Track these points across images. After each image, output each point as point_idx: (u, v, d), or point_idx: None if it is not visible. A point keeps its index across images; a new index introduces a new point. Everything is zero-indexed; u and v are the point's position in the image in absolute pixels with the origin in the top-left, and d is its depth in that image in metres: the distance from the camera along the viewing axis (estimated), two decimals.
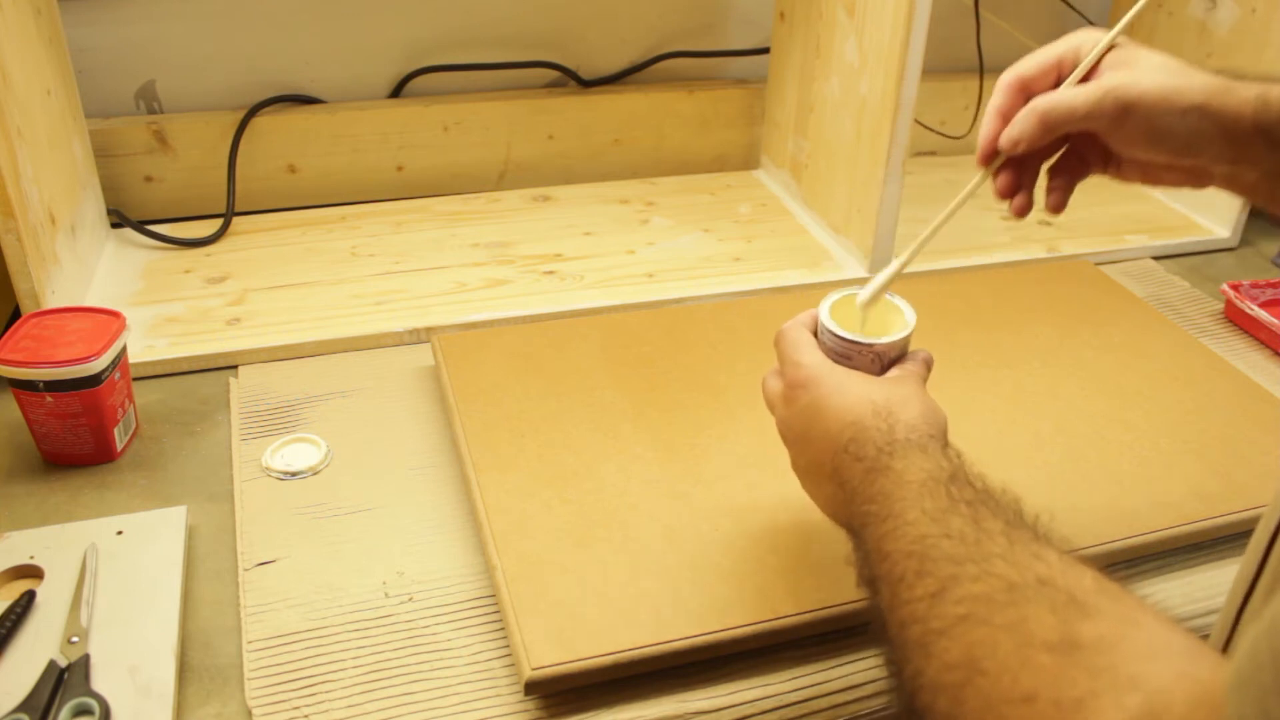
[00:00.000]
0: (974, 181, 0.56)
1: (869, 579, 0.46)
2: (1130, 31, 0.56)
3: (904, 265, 0.56)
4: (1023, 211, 0.57)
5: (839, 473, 0.50)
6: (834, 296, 0.57)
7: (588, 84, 1.13)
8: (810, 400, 0.52)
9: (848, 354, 0.54)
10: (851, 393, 0.51)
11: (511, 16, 1.09)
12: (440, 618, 0.59)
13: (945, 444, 0.49)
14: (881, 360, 0.54)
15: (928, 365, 0.56)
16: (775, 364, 0.57)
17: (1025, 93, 0.56)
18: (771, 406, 0.56)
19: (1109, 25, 1.17)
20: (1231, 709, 0.29)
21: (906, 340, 0.55)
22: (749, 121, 1.17)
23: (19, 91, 0.75)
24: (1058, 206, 0.58)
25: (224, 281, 0.90)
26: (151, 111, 1.03)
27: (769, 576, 0.59)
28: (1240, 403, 0.76)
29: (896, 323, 0.56)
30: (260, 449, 0.71)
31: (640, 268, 0.95)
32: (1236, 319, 0.92)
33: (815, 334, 0.56)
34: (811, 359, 0.54)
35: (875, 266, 0.95)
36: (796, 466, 0.55)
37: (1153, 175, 0.58)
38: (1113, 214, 1.10)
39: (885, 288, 0.57)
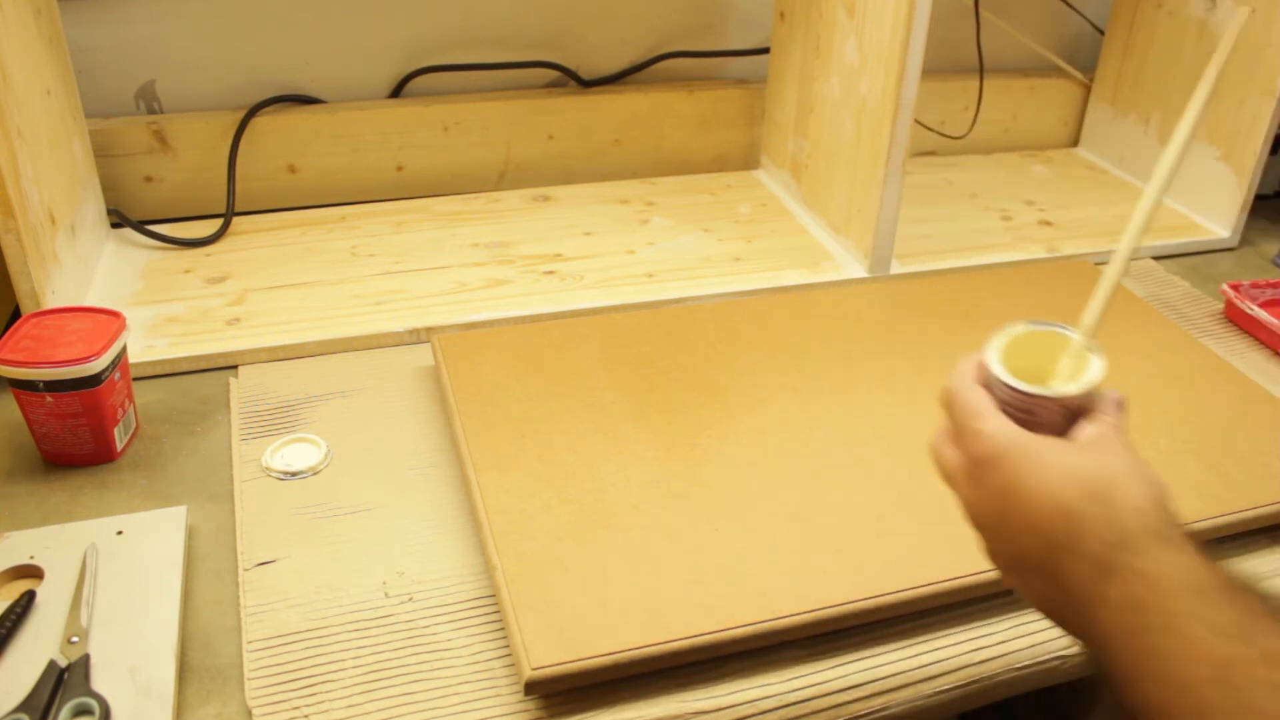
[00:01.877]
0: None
1: (1141, 704, 0.38)
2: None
3: (1112, 288, 0.49)
4: None
5: (1055, 572, 0.42)
6: (1002, 337, 0.49)
7: (588, 84, 1.13)
8: (1002, 481, 0.44)
9: (1028, 409, 0.46)
10: (1052, 470, 0.43)
11: (511, 16, 1.09)
12: (440, 618, 0.59)
13: (1183, 528, 0.41)
14: (1068, 412, 0.46)
15: (1121, 409, 0.47)
16: (944, 426, 0.49)
17: None
18: (950, 481, 0.48)
19: (1106, 27, 1.17)
20: None
21: (1096, 385, 0.47)
22: (749, 121, 1.17)
23: (19, 91, 0.75)
24: None
25: (224, 281, 0.90)
26: (151, 111, 1.03)
27: (769, 576, 0.59)
28: (1240, 403, 0.76)
29: (1079, 362, 0.48)
30: (260, 449, 0.71)
31: (640, 268, 0.95)
32: (1236, 319, 0.92)
33: (986, 385, 0.48)
34: (995, 426, 0.45)
35: (875, 267, 0.95)
36: (994, 555, 0.47)
37: None
38: (1113, 214, 1.10)
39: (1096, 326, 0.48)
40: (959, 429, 0.47)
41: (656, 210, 1.06)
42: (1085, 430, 0.45)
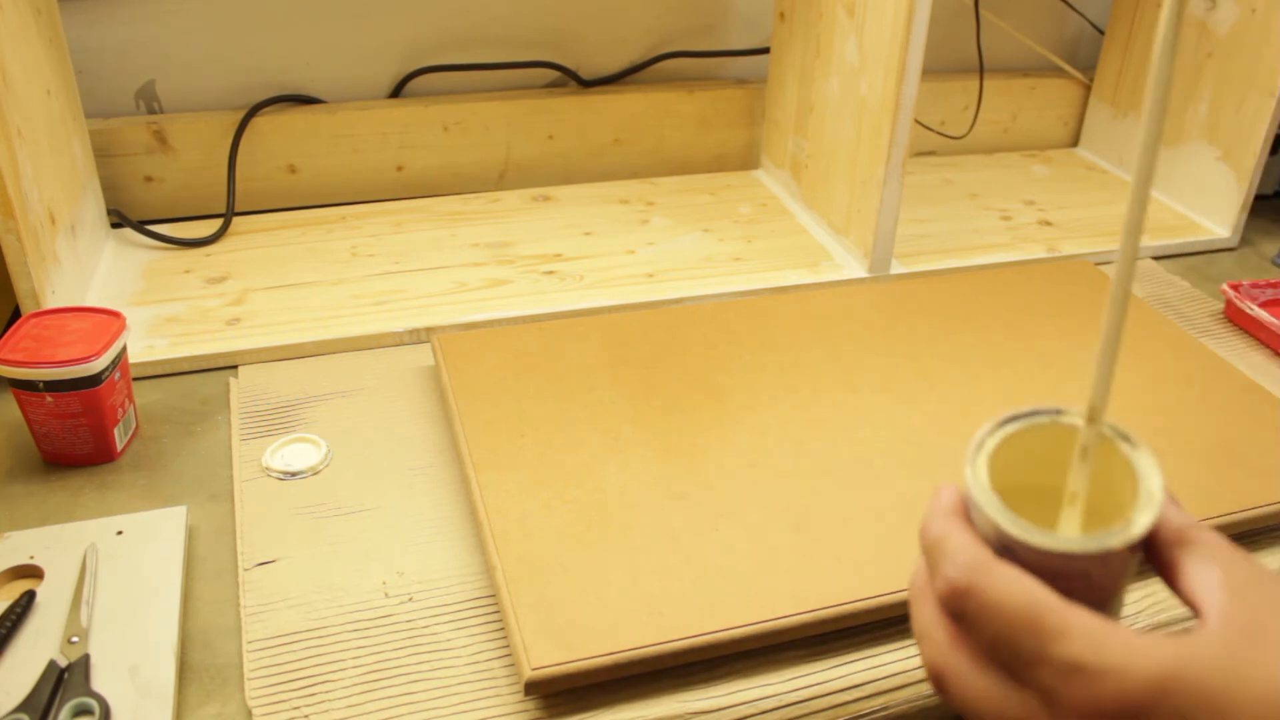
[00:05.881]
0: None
1: None
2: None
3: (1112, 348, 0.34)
4: None
5: None
6: (979, 456, 0.32)
7: (588, 84, 1.13)
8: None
9: (1079, 573, 0.30)
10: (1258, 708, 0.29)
11: (511, 16, 1.09)
12: (440, 618, 0.59)
13: None
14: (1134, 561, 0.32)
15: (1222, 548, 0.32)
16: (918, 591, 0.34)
17: None
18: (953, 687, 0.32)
19: (1106, 27, 1.17)
20: None
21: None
22: (749, 121, 1.17)
23: (19, 91, 0.75)
24: None
25: (224, 281, 0.90)
26: (151, 111, 1.03)
27: (769, 576, 0.59)
28: (1240, 403, 0.76)
29: (1116, 474, 0.32)
30: (260, 449, 0.71)
31: (640, 268, 0.95)
32: (1236, 319, 0.92)
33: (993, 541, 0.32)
34: (1137, 652, 0.28)
35: (875, 267, 0.95)
36: None
37: None
38: (1113, 214, 1.10)
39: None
40: (1021, 654, 0.28)
41: (656, 210, 1.06)
42: (1211, 592, 0.28)
